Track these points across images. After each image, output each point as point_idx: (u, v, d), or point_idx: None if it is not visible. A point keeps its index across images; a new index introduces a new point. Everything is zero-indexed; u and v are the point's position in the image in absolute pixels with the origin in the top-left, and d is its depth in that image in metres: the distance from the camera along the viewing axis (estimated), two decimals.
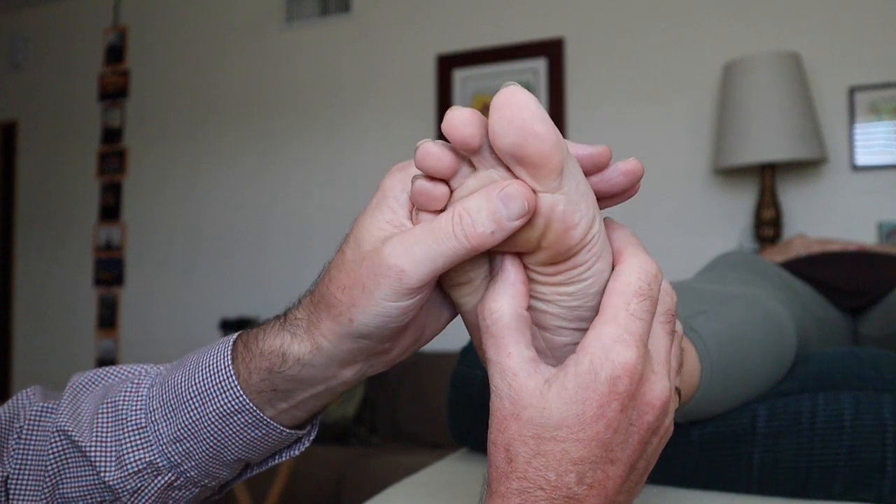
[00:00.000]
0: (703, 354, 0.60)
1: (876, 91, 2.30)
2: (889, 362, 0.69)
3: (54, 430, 0.42)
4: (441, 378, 2.39)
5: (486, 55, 2.81)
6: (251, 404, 0.39)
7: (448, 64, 2.89)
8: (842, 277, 1.09)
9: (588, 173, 0.34)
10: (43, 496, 0.42)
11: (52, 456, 0.42)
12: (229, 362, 0.39)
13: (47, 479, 0.42)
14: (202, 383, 0.39)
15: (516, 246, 0.33)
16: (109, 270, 3.51)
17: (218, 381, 0.39)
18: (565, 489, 0.32)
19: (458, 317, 0.41)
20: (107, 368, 0.46)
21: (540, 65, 2.73)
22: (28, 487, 0.42)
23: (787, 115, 2.13)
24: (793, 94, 2.14)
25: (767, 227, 2.26)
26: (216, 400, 0.39)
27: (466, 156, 0.33)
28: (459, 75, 2.87)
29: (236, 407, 0.39)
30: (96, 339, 3.51)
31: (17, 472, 0.42)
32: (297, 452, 0.44)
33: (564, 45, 2.70)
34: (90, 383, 0.45)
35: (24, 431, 0.43)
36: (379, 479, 1.97)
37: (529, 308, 0.35)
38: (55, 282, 3.64)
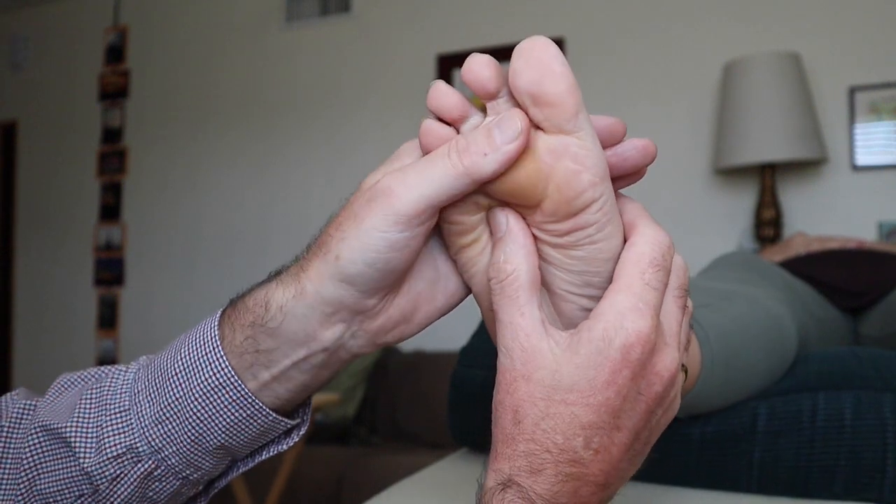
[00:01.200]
0: (704, 343, 0.60)
1: (876, 91, 2.30)
2: (889, 362, 0.69)
3: (33, 426, 0.41)
4: (441, 378, 2.38)
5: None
6: (235, 377, 0.37)
7: (448, 64, 2.89)
8: (842, 277, 1.09)
9: (604, 144, 0.34)
10: (20, 493, 0.41)
11: (28, 450, 0.41)
12: (216, 331, 0.38)
13: (23, 475, 0.41)
14: (188, 357, 0.38)
15: (523, 191, 0.33)
16: (109, 270, 3.51)
17: (204, 352, 0.38)
18: (572, 453, 0.32)
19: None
20: (97, 367, 0.44)
21: None
22: (6, 487, 0.41)
23: (787, 115, 2.13)
24: (793, 94, 2.14)
25: (767, 227, 2.26)
26: (201, 373, 0.38)
27: (484, 101, 0.33)
28: (459, 75, 2.87)
29: (221, 381, 0.37)
30: (96, 339, 3.51)
31: None
32: (284, 447, 0.42)
33: (565, 45, 2.70)
34: (78, 380, 0.44)
35: (5, 430, 0.42)
36: (379, 479, 1.97)
37: (541, 271, 0.34)
38: (55, 282, 3.64)
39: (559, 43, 2.70)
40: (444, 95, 0.34)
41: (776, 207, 2.26)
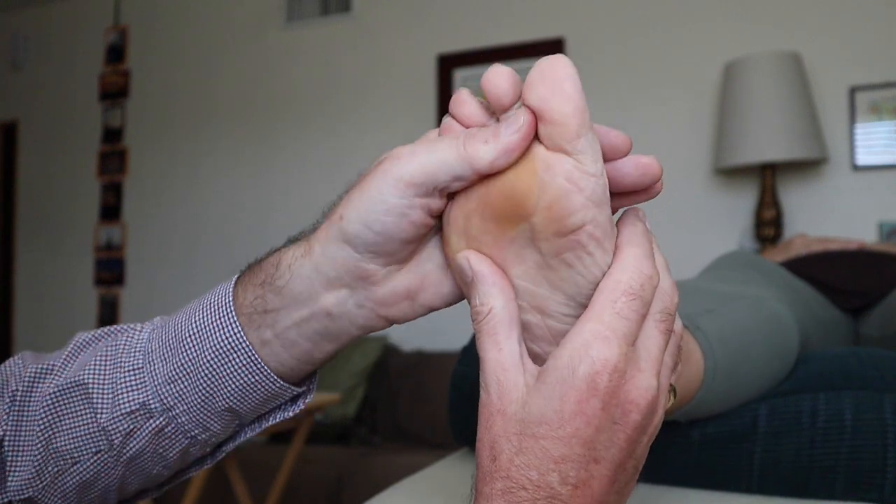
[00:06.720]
0: (707, 352, 0.60)
1: (876, 91, 2.30)
2: (890, 362, 0.69)
3: (50, 388, 0.42)
4: (441, 378, 2.39)
5: (486, 55, 2.81)
6: (246, 342, 0.39)
7: (448, 64, 2.89)
8: (843, 278, 1.09)
9: (605, 158, 0.34)
10: (37, 452, 0.42)
11: (43, 411, 0.42)
12: (230, 296, 0.39)
13: (40, 434, 0.42)
14: (202, 320, 0.39)
15: (516, 199, 0.32)
16: (110, 270, 3.51)
17: (217, 317, 0.39)
18: (548, 489, 0.31)
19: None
20: (112, 326, 0.46)
21: None
22: (23, 447, 0.42)
23: (787, 115, 2.13)
24: (793, 94, 2.14)
25: (768, 227, 2.26)
26: (214, 336, 0.39)
27: (498, 113, 0.34)
28: (460, 75, 2.87)
29: (232, 344, 0.39)
30: None
31: (13, 432, 0.42)
32: (289, 415, 0.43)
33: (565, 45, 2.70)
34: (93, 339, 0.45)
35: (19, 394, 0.43)
36: (379, 479, 1.97)
37: (532, 293, 0.34)
38: (56, 282, 3.64)
39: (559, 43, 2.70)
40: (464, 104, 0.35)
41: (776, 207, 2.26)
